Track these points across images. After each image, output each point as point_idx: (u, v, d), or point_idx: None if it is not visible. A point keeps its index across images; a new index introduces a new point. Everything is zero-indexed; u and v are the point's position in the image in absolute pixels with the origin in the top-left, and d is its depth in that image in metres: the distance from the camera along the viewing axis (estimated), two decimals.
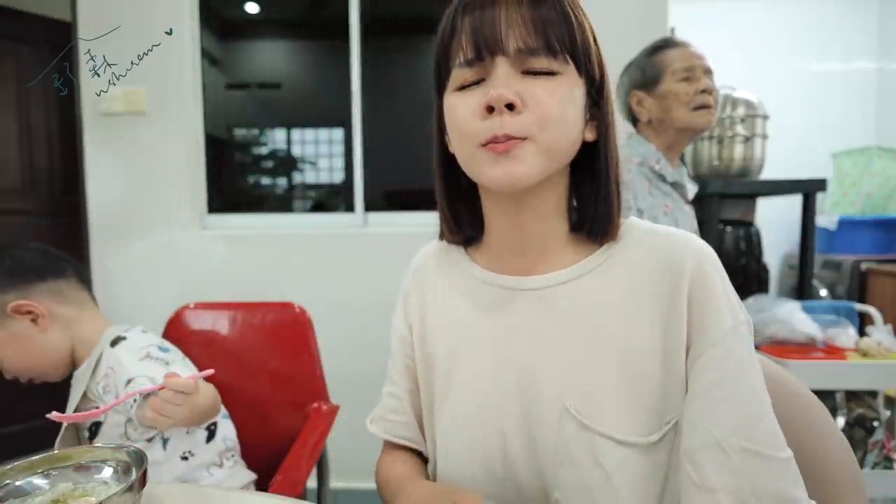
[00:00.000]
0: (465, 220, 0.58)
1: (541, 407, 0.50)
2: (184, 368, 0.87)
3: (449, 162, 0.55)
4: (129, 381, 0.80)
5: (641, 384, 0.47)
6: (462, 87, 0.49)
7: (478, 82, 0.48)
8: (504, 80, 0.47)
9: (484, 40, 0.47)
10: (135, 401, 0.74)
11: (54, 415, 0.63)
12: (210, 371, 0.71)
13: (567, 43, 0.47)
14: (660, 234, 0.51)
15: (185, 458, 0.90)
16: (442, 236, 0.61)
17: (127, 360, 0.83)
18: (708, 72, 1.20)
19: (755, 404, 0.44)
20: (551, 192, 0.52)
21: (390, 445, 0.64)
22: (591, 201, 0.52)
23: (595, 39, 0.51)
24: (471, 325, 0.56)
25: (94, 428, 0.87)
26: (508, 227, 0.54)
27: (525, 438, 0.51)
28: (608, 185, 0.51)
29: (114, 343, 0.86)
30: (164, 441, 0.88)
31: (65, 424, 0.85)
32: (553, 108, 0.46)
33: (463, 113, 0.48)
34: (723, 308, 0.46)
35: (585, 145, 0.51)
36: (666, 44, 1.24)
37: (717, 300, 0.46)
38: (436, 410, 0.58)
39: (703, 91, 1.18)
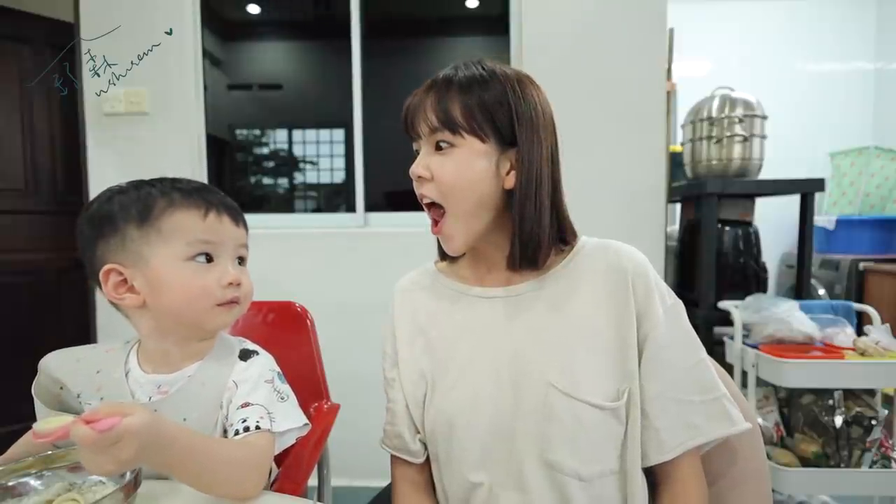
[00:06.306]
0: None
1: (529, 379, 0.61)
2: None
3: None
4: (244, 405, 0.66)
5: (603, 356, 0.60)
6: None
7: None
8: (421, 156, 0.62)
9: (408, 126, 0.63)
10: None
11: None
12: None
13: (462, 119, 0.59)
14: (607, 246, 0.65)
15: None
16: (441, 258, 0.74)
17: (254, 380, 0.70)
18: None
19: (685, 361, 0.60)
20: (493, 237, 0.64)
21: (396, 459, 0.71)
22: (518, 238, 0.61)
23: (510, 103, 0.59)
24: (465, 327, 0.67)
25: None
26: (475, 259, 0.69)
27: (513, 404, 0.61)
28: (526, 223, 0.60)
29: (245, 356, 0.73)
30: None
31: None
32: (447, 178, 0.60)
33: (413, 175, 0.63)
34: (657, 298, 0.60)
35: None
36: None
37: (653, 292, 0.61)
38: (437, 393, 0.66)
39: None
